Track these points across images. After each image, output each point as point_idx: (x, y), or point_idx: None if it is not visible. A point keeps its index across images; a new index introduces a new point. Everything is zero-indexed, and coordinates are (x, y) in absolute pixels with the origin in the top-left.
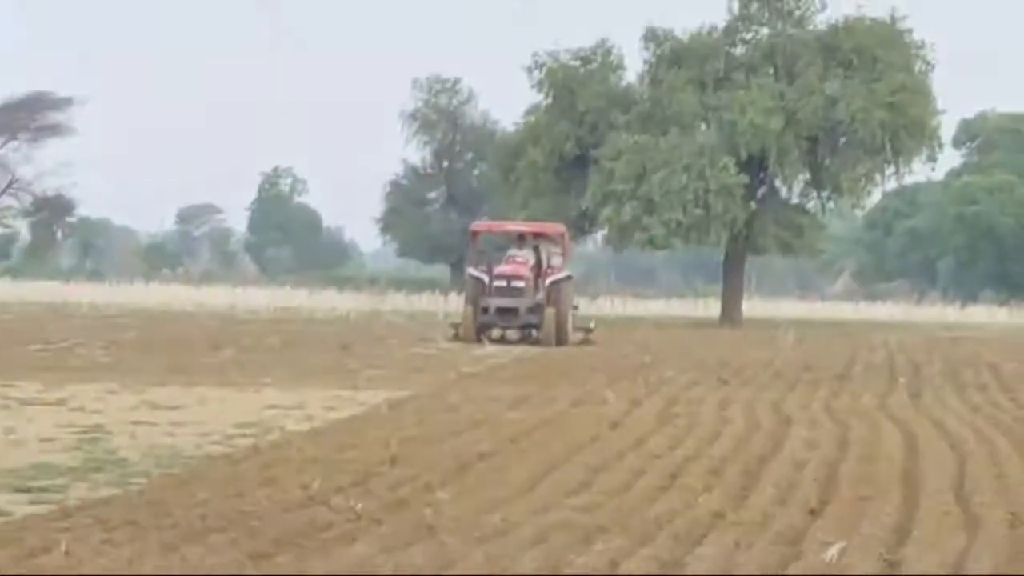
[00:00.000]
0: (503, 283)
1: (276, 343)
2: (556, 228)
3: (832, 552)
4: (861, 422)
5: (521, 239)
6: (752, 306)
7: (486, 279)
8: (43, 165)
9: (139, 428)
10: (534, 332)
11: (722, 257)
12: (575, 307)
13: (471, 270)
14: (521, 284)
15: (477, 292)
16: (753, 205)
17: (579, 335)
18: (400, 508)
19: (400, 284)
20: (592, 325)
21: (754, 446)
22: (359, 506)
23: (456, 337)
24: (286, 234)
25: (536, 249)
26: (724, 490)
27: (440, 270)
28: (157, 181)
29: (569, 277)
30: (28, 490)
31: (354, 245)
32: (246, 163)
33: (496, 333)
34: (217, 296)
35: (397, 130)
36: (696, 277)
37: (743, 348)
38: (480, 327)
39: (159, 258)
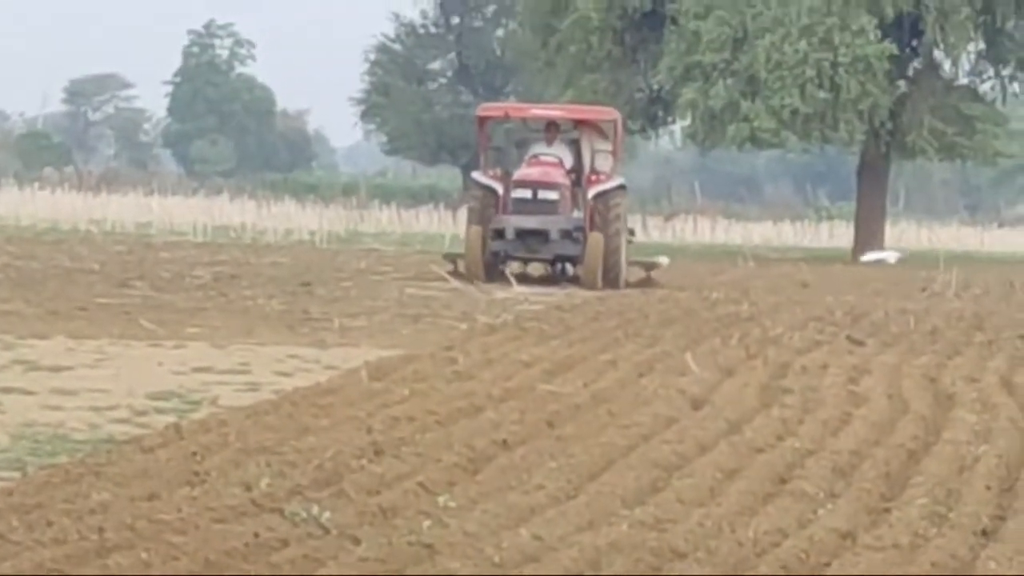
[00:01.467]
0: (526, 194)
1: (208, 278)
2: (605, 113)
3: None
4: None
5: (552, 130)
6: (899, 233)
7: (500, 189)
8: None
9: (8, 399)
10: (569, 268)
11: (856, 162)
12: (631, 232)
13: (478, 175)
14: (552, 196)
15: (487, 208)
16: (902, 86)
17: (637, 274)
18: (385, 519)
19: (388, 195)
20: (661, 260)
21: (899, 437)
22: (326, 515)
23: (455, 274)
24: (222, 120)
25: (575, 145)
26: (855, 500)
27: (447, 175)
28: (36, 42)
29: (622, 187)
30: None
31: (322, 138)
32: (166, 17)
33: (514, 268)
34: (123, 208)
35: None
36: (818, 190)
37: (885, 294)
38: (491, 259)
39: (39, 152)
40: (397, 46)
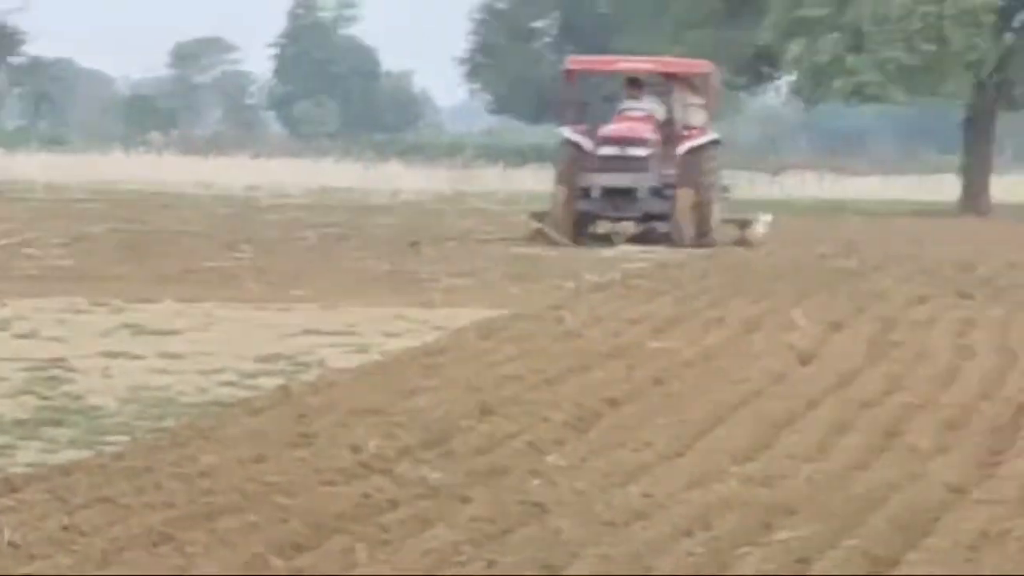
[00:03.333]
0: (613, 150)
1: (314, 240)
2: (696, 66)
3: None
4: None
5: (635, 85)
6: (1008, 186)
7: (588, 145)
8: None
9: (116, 363)
10: (661, 226)
11: (963, 115)
12: (725, 189)
13: (565, 131)
14: (641, 152)
15: (574, 165)
16: (1009, 38)
17: (731, 233)
18: (495, 479)
19: (495, 154)
20: (764, 218)
21: (1008, 390)
22: (435, 476)
23: (540, 234)
24: (328, 83)
25: (666, 99)
26: (965, 454)
27: (553, 133)
28: (141, 6)
29: (716, 142)
30: None
31: (427, 98)
32: None
33: (603, 228)
34: (229, 172)
35: None
36: (925, 144)
37: (993, 247)
38: (579, 219)
39: (145, 117)
40: (501, 5)
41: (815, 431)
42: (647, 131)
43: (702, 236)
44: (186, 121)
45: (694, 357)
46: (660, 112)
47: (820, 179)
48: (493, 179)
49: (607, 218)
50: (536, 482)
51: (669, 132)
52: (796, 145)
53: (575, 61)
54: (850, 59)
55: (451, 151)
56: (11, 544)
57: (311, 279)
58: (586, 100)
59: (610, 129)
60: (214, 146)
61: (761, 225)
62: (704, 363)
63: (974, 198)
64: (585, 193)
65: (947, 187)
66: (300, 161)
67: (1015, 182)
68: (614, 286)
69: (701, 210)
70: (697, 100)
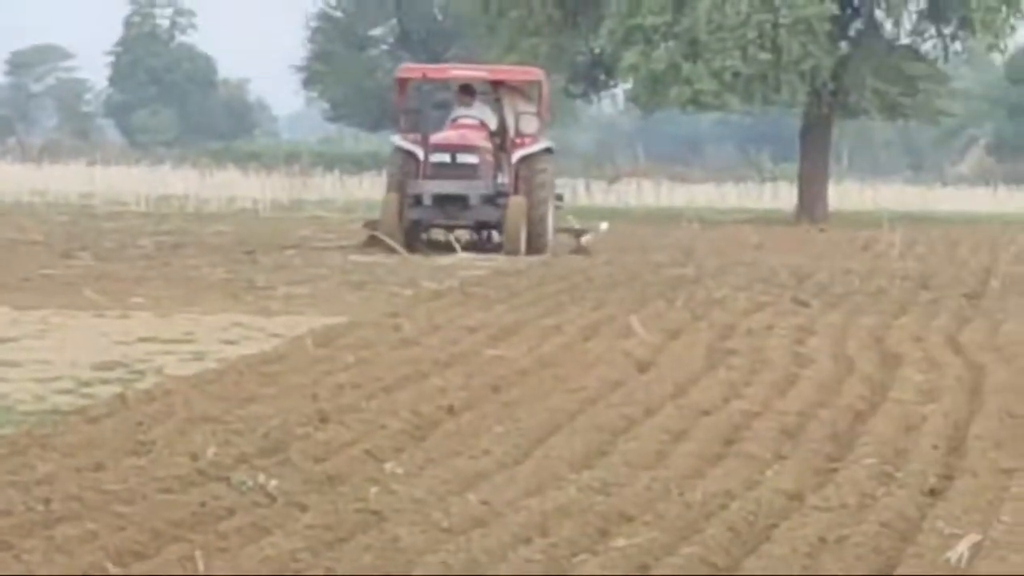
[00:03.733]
0: (444, 157)
1: (151, 247)
2: (527, 73)
3: (960, 550)
4: (1001, 362)
5: (467, 92)
6: (843, 193)
7: (420, 153)
8: None
9: None
10: (496, 235)
11: (799, 123)
12: (559, 197)
13: (397, 139)
14: (472, 159)
15: (407, 173)
16: (844, 47)
17: (568, 242)
18: (332, 487)
19: (331, 162)
20: (600, 226)
21: (846, 397)
22: (273, 484)
23: (372, 242)
24: (164, 90)
25: (498, 106)
26: (802, 461)
27: (389, 141)
28: None
29: (549, 150)
30: None
31: (264, 106)
32: None
33: (439, 236)
34: (66, 179)
35: None
36: (761, 152)
37: (829, 254)
38: (411, 227)
39: None
40: (338, 13)
41: (653, 439)
42: (478, 138)
43: (536, 245)
44: (22, 129)
45: (531, 365)
46: (492, 120)
47: (658, 187)
48: (330, 187)
49: (439, 226)
50: (374, 490)
51: (503, 140)
52: (634, 153)
53: (407, 69)
54: (686, 67)
55: (288, 159)
56: None
57: (148, 287)
58: (420, 108)
59: (441, 136)
60: (50, 154)
61: (592, 234)
62: (541, 371)
63: (811, 206)
64: (416, 200)
65: (784, 194)
66: (136, 169)
67: (851, 189)
68: (452, 294)
69: (534, 219)
70: (529, 107)
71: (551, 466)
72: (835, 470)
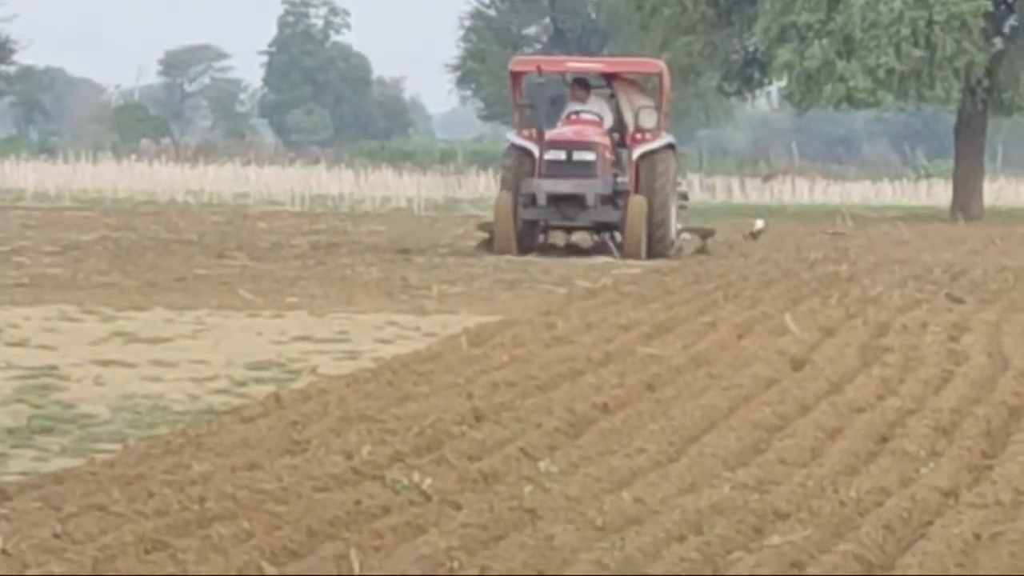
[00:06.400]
0: (560, 155)
1: (306, 247)
2: (648, 66)
3: None
4: None
5: (581, 86)
6: (998, 191)
7: (536, 150)
8: None
9: (108, 371)
10: (615, 236)
11: (954, 120)
12: (684, 196)
13: (512, 136)
14: (589, 156)
15: (522, 172)
16: (998, 43)
17: (690, 242)
18: (487, 485)
19: (486, 161)
20: (757, 223)
21: (1000, 394)
22: (427, 482)
23: (487, 246)
24: (318, 89)
25: (613, 100)
26: (957, 458)
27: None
28: (131, 14)
29: (671, 146)
30: None
31: (418, 105)
32: None
33: (557, 238)
34: (220, 179)
35: None
36: (916, 149)
37: (985, 251)
38: (526, 229)
39: (135, 124)
40: (492, 11)
41: (807, 436)
42: (596, 134)
43: (658, 246)
44: (177, 129)
45: (686, 363)
46: (608, 115)
47: (812, 184)
48: (484, 186)
49: (557, 227)
50: (528, 488)
51: (621, 136)
52: (788, 151)
53: (520, 62)
54: (840, 65)
55: (443, 158)
56: (3, 552)
57: (302, 286)
58: (535, 103)
59: (556, 133)
60: (205, 154)
61: (758, 228)
62: (696, 369)
63: (966, 203)
64: (531, 200)
65: (939, 192)
66: (291, 169)
67: (1005, 186)
68: (606, 292)
69: (655, 219)
70: (648, 102)
71: (705, 464)
72: (990, 467)
